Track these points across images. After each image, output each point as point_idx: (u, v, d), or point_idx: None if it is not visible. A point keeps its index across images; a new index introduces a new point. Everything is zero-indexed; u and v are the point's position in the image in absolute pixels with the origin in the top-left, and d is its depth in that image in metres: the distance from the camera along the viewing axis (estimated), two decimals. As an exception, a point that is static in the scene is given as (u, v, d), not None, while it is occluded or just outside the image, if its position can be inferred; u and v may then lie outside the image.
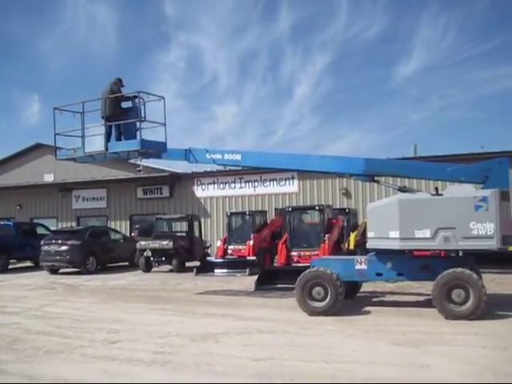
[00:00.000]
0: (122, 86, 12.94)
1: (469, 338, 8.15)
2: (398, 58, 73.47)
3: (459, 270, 9.63)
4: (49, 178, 33.23)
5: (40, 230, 25.25)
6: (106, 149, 12.50)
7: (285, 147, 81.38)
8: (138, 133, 12.28)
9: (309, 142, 78.80)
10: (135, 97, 12.57)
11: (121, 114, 12.60)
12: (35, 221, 29.11)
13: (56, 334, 9.29)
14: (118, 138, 12.58)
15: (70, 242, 21.15)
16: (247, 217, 21.68)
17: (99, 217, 30.02)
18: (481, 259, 11.49)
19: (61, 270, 21.76)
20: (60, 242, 21.35)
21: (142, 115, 12.30)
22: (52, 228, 26.21)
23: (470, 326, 8.98)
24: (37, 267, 23.08)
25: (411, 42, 69.04)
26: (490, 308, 9.77)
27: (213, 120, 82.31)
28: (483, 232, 9.45)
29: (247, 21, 72.91)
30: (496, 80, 65.66)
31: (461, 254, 10.22)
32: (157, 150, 12.46)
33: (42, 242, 21.69)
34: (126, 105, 12.88)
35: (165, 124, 12.31)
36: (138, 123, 12.31)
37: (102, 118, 12.58)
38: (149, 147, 12.29)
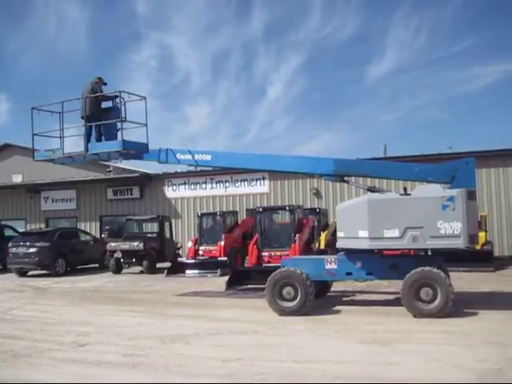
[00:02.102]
0: (105, 84, 12.69)
1: (437, 336, 8.26)
2: (370, 59, 74.06)
3: (427, 268, 9.76)
4: (17, 178, 32.71)
5: (8, 232, 24.84)
6: (87, 150, 12.23)
7: (257, 147, 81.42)
8: (118, 133, 12.10)
9: (281, 142, 78.90)
10: (116, 96, 12.38)
11: (101, 114, 12.37)
12: (3, 222, 28.57)
13: (24, 338, 9.15)
14: (99, 139, 12.32)
15: (38, 244, 20.84)
16: (218, 217, 21.66)
17: (69, 218, 29.75)
18: (449, 258, 11.69)
19: (29, 273, 21.45)
20: (28, 243, 21.04)
21: (123, 115, 12.10)
22: (20, 230, 25.81)
23: (437, 323, 9.11)
24: (4, 270, 22.67)
25: (383, 43, 69.65)
26: (458, 306, 9.91)
27: (185, 120, 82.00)
28: (450, 231, 9.59)
29: (220, 19, 72.81)
30: (466, 81, 66.74)
31: (429, 253, 10.36)
32: (138, 150, 12.26)
33: (9, 244, 21.33)
34: (105, 105, 12.64)
35: (146, 124, 12.11)
36: (118, 123, 12.10)
37: (82, 118, 12.31)
38: (130, 148, 12.06)
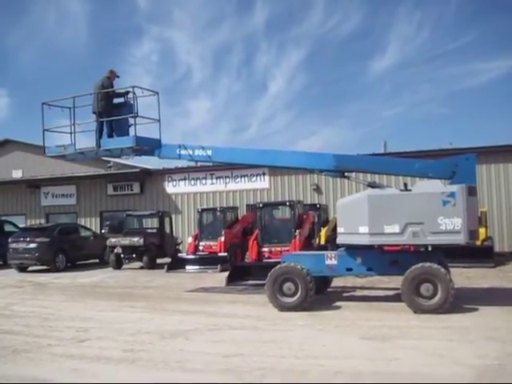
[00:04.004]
0: (117, 76, 12.48)
1: (437, 332, 8.26)
2: (372, 54, 73.75)
3: (427, 264, 9.76)
4: (17, 174, 32.68)
5: (8, 228, 24.80)
6: (99, 146, 12.05)
7: (258, 143, 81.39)
8: (130, 129, 11.94)
9: (282, 137, 78.69)
10: (127, 92, 12.23)
11: (113, 109, 12.20)
12: (3, 218, 28.54)
13: (24, 333, 9.16)
14: (110, 135, 12.15)
15: (38, 240, 20.84)
16: (218, 213, 21.65)
17: (69, 214, 29.68)
18: (449, 254, 11.68)
19: (29, 268, 21.46)
20: (28, 239, 21.04)
21: (135, 111, 11.88)
22: (20, 225, 25.80)
23: (438, 319, 9.10)
24: (5, 265, 22.66)
25: (386, 38, 69.31)
26: (458, 302, 9.92)
27: (186, 115, 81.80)
28: (451, 227, 9.58)
29: (221, 14, 72.37)
30: (468, 76, 66.56)
31: (430, 249, 10.34)
32: (151, 146, 12.11)
33: (9, 240, 21.34)
34: (117, 100, 12.44)
35: (159, 120, 11.97)
36: (130, 119, 11.92)
37: (94, 113, 12.15)
38: (143, 144, 11.87)
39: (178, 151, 12.07)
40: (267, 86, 78.47)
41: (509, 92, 60.79)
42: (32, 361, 7.33)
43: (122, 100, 12.39)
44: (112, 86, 12.36)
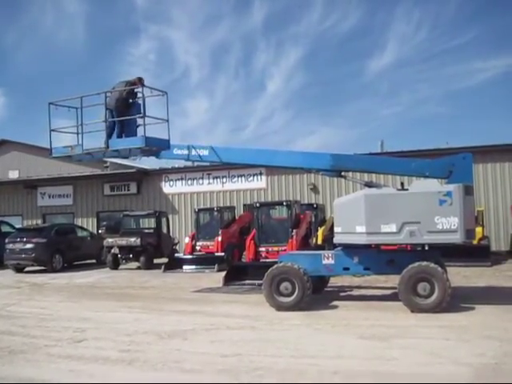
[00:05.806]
0: (143, 85, 12.03)
1: (434, 331, 8.27)
2: (370, 53, 73.73)
3: (424, 263, 9.77)
4: (13, 174, 32.61)
5: (4, 228, 24.73)
6: (107, 146, 11.84)
7: (256, 142, 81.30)
8: (138, 130, 11.80)
9: (280, 137, 78.75)
10: (136, 93, 12.02)
11: (126, 109, 12.00)
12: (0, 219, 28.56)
13: (21, 334, 9.14)
14: (119, 135, 11.96)
15: (35, 240, 20.81)
16: (215, 213, 21.66)
17: (65, 214, 29.62)
18: (446, 253, 11.69)
19: (26, 269, 21.42)
20: (25, 239, 21.01)
21: (143, 111, 11.63)
22: (17, 226, 25.74)
23: (434, 318, 9.12)
24: (1, 266, 22.61)
25: (385, 37, 69.40)
26: (455, 301, 9.93)
27: (184, 114, 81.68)
28: (447, 226, 9.59)
29: (219, 12, 72.29)
30: (466, 75, 66.66)
31: (426, 248, 10.36)
32: (159, 147, 12.00)
33: (6, 240, 21.32)
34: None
35: (168, 120, 11.84)
36: (138, 119, 11.76)
37: (110, 109, 11.88)
38: (152, 144, 11.70)
39: (174, 151, 12.04)
40: (265, 85, 78.51)
41: (506, 91, 60.98)
42: (29, 361, 7.31)
43: (130, 100, 12.28)
44: (133, 92, 12.10)
